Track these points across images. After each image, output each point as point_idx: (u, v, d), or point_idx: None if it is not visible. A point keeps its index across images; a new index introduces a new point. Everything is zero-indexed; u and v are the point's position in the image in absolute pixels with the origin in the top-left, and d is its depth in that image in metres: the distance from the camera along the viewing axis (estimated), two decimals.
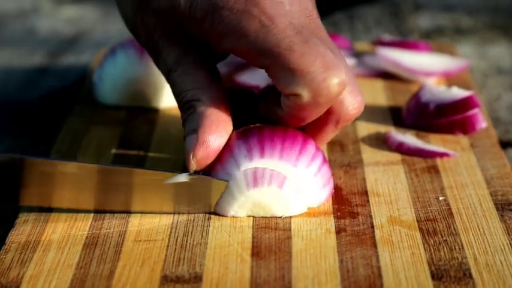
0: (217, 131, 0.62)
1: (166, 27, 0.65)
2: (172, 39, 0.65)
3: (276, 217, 0.62)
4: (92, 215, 0.63)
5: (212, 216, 0.63)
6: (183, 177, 0.61)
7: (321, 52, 0.60)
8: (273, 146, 0.62)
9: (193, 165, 0.62)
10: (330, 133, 0.65)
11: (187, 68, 0.64)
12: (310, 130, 0.64)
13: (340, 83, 0.60)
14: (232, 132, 0.63)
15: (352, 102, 0.63)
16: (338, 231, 0.61)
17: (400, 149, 0.71)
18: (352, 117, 0.64)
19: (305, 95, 0.60)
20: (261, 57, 0.60)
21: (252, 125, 0.64)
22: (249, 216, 0.62)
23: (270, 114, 0.64)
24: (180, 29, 0.64)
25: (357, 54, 0.88)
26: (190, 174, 0.62)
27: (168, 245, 0.59)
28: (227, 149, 0.62)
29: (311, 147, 0.63)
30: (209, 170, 0.62)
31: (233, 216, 0.62)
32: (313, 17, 0.64)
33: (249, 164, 0.62)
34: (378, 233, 0.60)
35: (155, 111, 0.79)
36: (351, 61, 0.85)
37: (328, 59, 0.60)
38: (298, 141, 0.63)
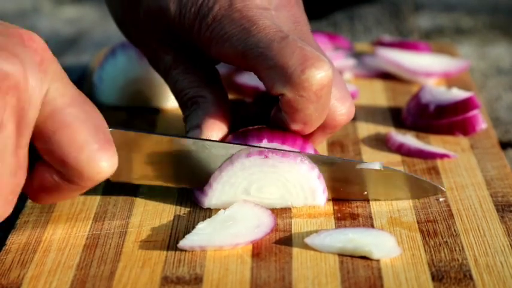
0: (220, 127, 0.63)
1: (158, 28, 0.65)
2: (166, 39, 0.65)
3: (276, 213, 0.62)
4: (92, 215, 0.63)
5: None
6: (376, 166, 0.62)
7: (299, 46, 0.59)
8: None
9: None
10: (319, 139, 0.65)
11: (188, 67, 0.64)
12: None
13: (321, 73, 0.59)
14: (230, 135, 0.63)
15: (340, 108, 0.63)
16: None
17: (401, 150, 0.71)
18: (340, 124, 0.63)
19: (288, 92, 0.59)
20: (244, 59, 0.60)
21: (251, 127, 0.64)
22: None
23: (279, 122, 0.63)
24: (171, 31, 0.65)
25: (357, 55, 0.88)
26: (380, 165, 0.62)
27: (168, 246, 0.59)
28: None
29: (310, 150, 0.63)
30: None
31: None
32: (300, 24, 0.64)
33: None
34: None
35: (155, 111, 0.79)
36: (351, 61, 0.85)
37: (307, 51, 0.59)
38: (297, 144, 0.62)
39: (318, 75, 0.59)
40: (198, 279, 0.56)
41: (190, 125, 0.63)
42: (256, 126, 0.64)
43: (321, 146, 0.71)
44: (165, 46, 0.65)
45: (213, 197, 0.62)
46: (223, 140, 0.63)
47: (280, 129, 0.63)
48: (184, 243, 0.58)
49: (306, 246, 0.59)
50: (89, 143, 0.54)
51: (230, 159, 0.61)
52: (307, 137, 0.64)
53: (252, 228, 0.60)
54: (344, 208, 0.63)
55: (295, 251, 0.59)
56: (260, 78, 0.60)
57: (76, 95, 0.54)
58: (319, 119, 0.61)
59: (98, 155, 0.54)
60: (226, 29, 0.61)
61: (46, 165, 0.55)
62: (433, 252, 0.58)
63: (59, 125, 0.53)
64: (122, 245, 0.60)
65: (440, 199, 0.64)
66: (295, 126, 0.62)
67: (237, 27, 0.60)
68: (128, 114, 0.78)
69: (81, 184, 0.55)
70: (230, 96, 0.67)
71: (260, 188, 0.62)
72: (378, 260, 0.57)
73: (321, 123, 0.62)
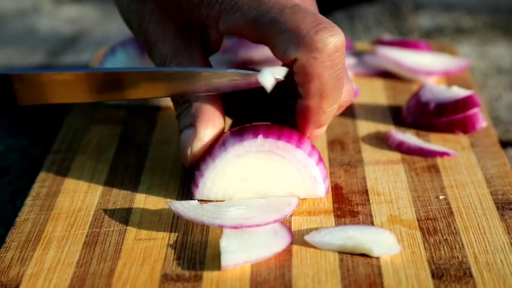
0: (213, 125, 0.63)
1: (165, 15, 0.65)
2: (169, 29, 0.65)
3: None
4: (92, 213, 0.63)
5: None
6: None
7: (312, 12, 0.60)
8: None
9: (190, 159, 0.63)
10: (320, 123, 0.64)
11: (182, 60, 0.64)
12: (300, 123, 0.64)
13: (334, 35, 0.59)
14: (226, 132, 0.63)
15: None
16: None
17: (401, 148, 0.71)
18: (341, 106, 0.64)
19: (301, 55, 0.59)
20: (255, 27, 0.60)
21: (248, 124, 0.64)
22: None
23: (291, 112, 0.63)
24: (178, 18, 0.65)
25: (357, 54, 0.88)
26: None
27: (168, 244, 0.59)
28: (222, 147, 0.62)
29: (307, 145, 0.63)
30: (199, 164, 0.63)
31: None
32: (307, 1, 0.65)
33: None
34: None
35: (155, 110, 0.79)
36: (351, 60, 0.85)
37: (319, 17, 0.60)
38: (293, 139, 0.62)
39: (331, 37, 0.59)
40: (197, 277, 0.56)
41: (183, 124, 0.64)
42: (253, 123, 0.63)
43: (320, 144, 0.71)
44: (167, 36, 0.65)
45: (204, 188, 0.62)
46: None
47: (275, 125, 0.63)
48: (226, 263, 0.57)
49: (306, 244, 0.59)
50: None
51: (223, 145, 0.62)
52: (305, 127, 0.63)
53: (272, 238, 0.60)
54: (344, 206, 0.64)
55: (295, 248, 0.59)
56: (272, 46, 0.60)
57: None
58: (336, 93, 0.61)
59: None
60: None
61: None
62: (433, 249, 0.58)
63: None
64: (122, 242, 0.60)
65: (441, 197, 0.64)
66: (312, 101, 0.61)
67: None
68: (128, 113, 0.78)
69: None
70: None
71: (257, 177, 0.62)
72: (377, 258, 0.57)
73: (338, 101, 0.61)
